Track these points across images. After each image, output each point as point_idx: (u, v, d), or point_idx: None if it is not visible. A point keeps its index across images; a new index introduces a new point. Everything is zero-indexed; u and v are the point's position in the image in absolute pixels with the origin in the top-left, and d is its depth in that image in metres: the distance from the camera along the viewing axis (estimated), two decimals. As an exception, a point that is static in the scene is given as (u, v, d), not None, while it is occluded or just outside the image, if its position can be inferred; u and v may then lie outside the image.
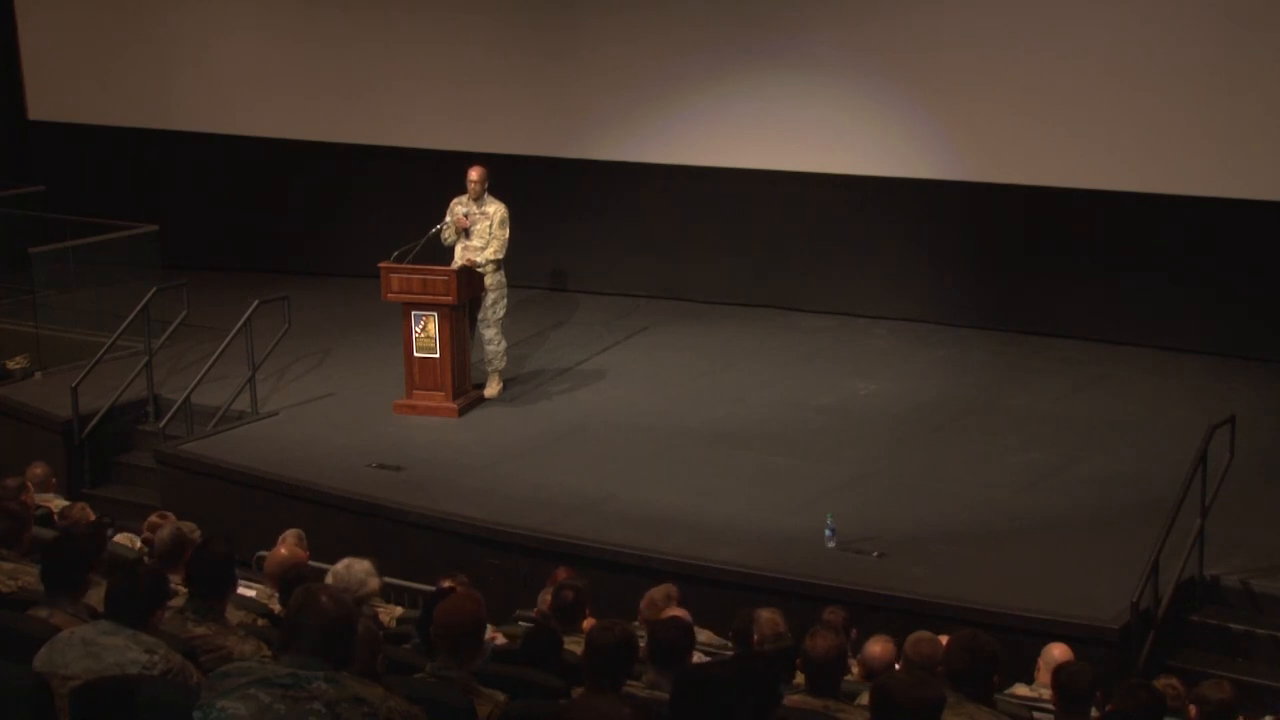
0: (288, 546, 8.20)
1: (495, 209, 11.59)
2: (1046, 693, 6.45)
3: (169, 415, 11.80)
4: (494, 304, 11.69)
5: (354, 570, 7.28)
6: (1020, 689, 7.04)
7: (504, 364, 11.99)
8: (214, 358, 11.88)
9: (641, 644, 5.53)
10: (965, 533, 9.46)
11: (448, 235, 11.64)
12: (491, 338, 11.78)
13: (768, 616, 6.74)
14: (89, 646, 4.84)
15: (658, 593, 7.72)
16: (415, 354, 11.46)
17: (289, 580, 7.08)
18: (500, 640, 6.69)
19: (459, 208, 11.63)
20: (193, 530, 7.55)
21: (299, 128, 15.57)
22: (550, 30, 14.56)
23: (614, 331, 13.67)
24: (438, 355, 11.42)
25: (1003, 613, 8.24)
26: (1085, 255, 12.88)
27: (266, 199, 15.90)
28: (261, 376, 12.12)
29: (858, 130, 13.39)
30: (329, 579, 7.15)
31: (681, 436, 11.16)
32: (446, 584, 7.10)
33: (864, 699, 5.45)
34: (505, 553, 9.64)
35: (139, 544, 8.61)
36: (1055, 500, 9.90)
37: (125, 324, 12.48)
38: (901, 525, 9.53)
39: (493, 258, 11.56)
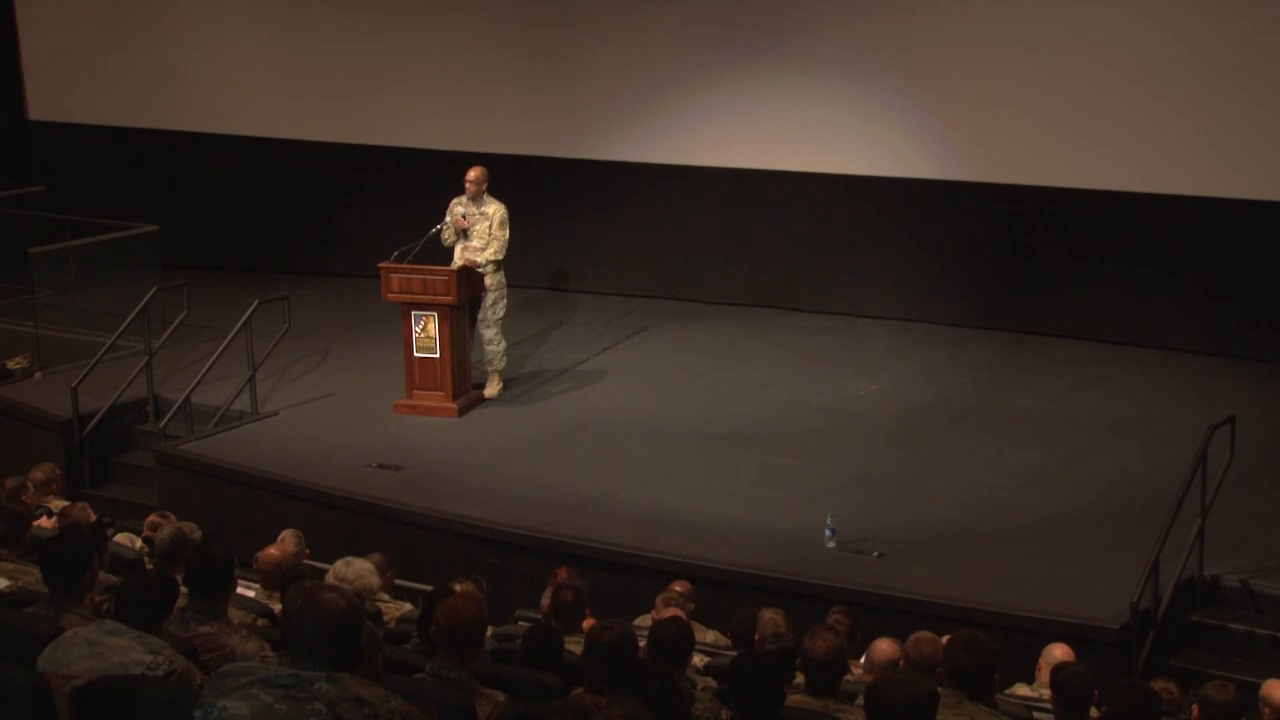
0: (284, 546, 8.20)
1: (494, 209, 11.58)
2: (1047, 693, 6.44)
3: (169, 415, 11.80)
4: (494, 304, 11.68)
5: (352, 568, 7.30)
6: (1021, 689, 7.04)
7: (504, 364, 11.98)
8: (214, 358, 11.87)
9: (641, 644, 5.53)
10: (965, 533, 9.45)
11: (447, 236, 11.63)
12: (491, 338, 11.78)
13: (769, 616, 6.76)
14: (93, 646, 4.84)
15: (678, 592, 7.76)
16: (415, 354, 11.46)
17: (286, 579, 7.09)
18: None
19: (458, 208, 11.61)
20: (193, 530, 7.54)
21: (299, 128, 15.57)
22: (550, 30, 14.56)
23: (614, 331, 13.67)
24: (438, 355, 11.42)
25: (1003, 613, 8.23)
26: (1085, 255, 12.88)
27: (266, 199, 15.90)
28: (261, 376, 12.12)
29: (857, 130, 13.38)
30: (329, 577, 7.16)
31: (681, 436, 11.15)
32: (457, 587, 7.09)
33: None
34: (505, 553, 9.64)
35: (139, 544, 8.62)
36: (1055, 500, 9.89)
37: (125, 324, 12.47)
38: (901, 525, 9.53)
39: (493, 258, 11.55)
